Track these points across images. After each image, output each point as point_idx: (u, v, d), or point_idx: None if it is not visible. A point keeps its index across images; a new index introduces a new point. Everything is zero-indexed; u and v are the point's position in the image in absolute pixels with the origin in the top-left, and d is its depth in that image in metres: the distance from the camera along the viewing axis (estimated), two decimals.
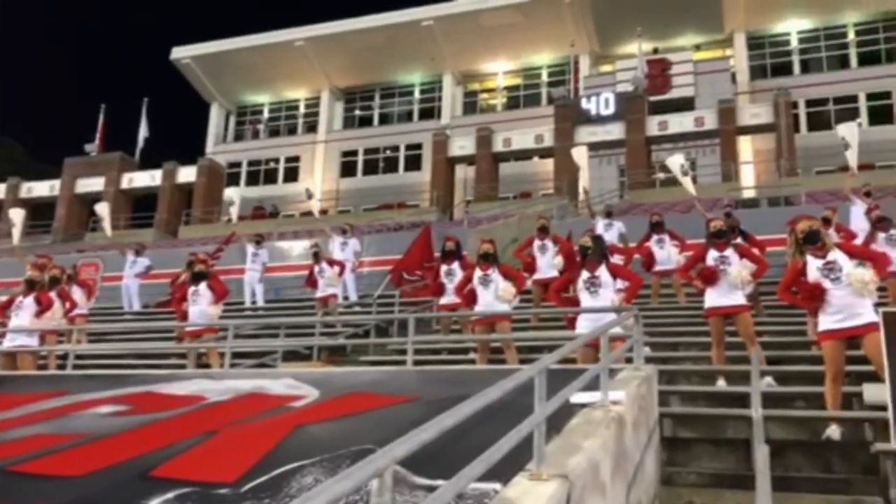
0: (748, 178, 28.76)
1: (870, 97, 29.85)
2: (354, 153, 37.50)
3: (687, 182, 13.92)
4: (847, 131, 12.79)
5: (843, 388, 5.83)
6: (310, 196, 15.19)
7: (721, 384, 7.18)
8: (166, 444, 4.00)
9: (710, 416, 6.41)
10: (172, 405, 5.19)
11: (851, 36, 31.63)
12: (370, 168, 36.96)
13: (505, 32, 33.61)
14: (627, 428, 4.25)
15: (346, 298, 13.46)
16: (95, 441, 4.28)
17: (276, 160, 38.80)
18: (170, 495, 3.19)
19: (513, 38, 33.92)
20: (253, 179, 38.28)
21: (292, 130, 40.07)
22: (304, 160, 38.05)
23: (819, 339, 6.02)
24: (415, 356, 8.95)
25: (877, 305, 5.69)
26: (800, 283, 6.00)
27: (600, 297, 6.85)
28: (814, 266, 5.87)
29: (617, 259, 9.43)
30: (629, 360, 5.82)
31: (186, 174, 34.98)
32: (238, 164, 38.87)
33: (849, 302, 5.60)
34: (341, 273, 12.70)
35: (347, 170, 37.16)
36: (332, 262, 12.59)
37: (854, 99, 30.06)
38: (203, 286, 9.41)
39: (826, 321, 5.77)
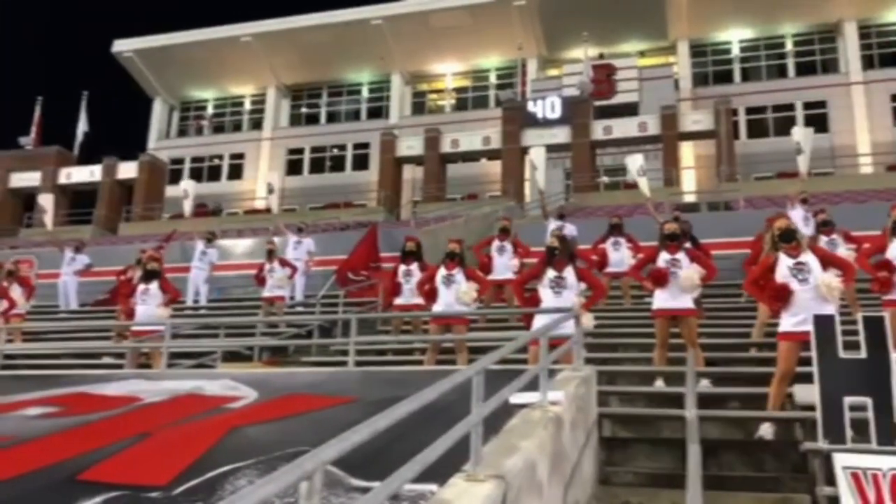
0: (690, 182, 29.35)
1: (806, 106, 30.75)
2: (301, 151, 37.12)
3: (643, 183, 14.10)
4: (802, 136, 13.15)
5: (786, 392, 5.97)
6: (271, 191, 14.91)
7: (659, 384, 7.31)
8: (97, 446, 3.89)
9: (647, 417, 6.53)
10: (105, 406, 5.06)
11: (789, 46, 32.56)
12: (317, 166, 36.63)
13: (454, 34, 33.68)
14: (565, 428, 4.29)
15: (292, 298, 13.26)
16: (22, 444, 4.15)
17: (221, 157, 38.15)
18: (98, 499, 3.11)
19: (462, 40, 34.01)
20: (196, 176, 37.50)
21: (237, 127, 39.46)
22: (249, 157, 37.52)
23: (777, 338, 6.15)
24: (359, 357, 8.92)
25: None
26: (768, 281, 6.12)
27: (563, 297, 6.89)
28: (784, 264, 6.00)
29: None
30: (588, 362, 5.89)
31: (127, 170, 34.09)
32: (181, 161, 38.09)
33: (812, 305, 5.70)
34: (292, 276, 12.50)
35: (293, 168, 36.76)
36: (284, 263, 12.34)
37: (791, 107, 30.93)
38: (154, 286, 9.19)
39: (787, 322, 5.89)
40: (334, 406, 4.73)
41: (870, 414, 4.59)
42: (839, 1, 30.07)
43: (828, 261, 6.01)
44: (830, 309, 5.68)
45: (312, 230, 16.54)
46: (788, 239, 6.02)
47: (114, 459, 3.67)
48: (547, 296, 6.97)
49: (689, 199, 24.65)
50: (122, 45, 37.04)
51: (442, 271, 8.16)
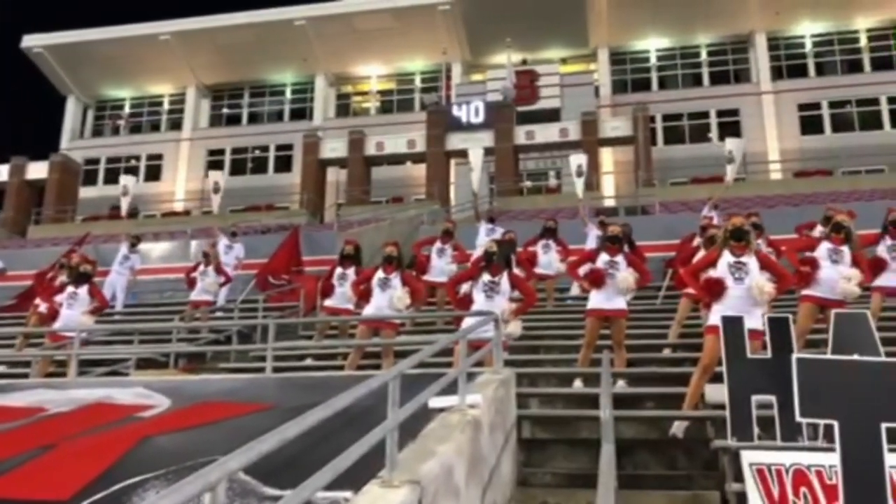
0: (609, 187, 30.03)
1: (720, 114, 31.88)
2: (221, 152, 36.33)
3: (579, 183, 14.30)
4: (734, 145, 13.59)
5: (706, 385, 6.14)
6: (216, 190, 14.43)
7: (578, 385, 7.43)
8: None
9: (566, 418, 6.62)
10: (6, 418, 4.82)
11: (704, 56, 33.66)
12: (238, 168, 35.90)
13: (379, 37, 33.57)
14: (484, 431, 4.31)
15: (214, 303, 12.94)
16: None
17: (138, 158, 36.99)
18: None
19: (387, 43, 33.92)
20: (112, 177, 36.32)
21: (156, 127, 38.35)
22: (168, 158, 36.53)
23: (704, 332, 6.32)
24: (279, 363, 8.78)
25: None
26: (707, 276, 6.29)
27: (495, 302, 6.91)
28: (725, 261, 6.17)
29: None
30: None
31: (37, 170, 32.67)
32: (96, 161, 36.79)
33: (741, 304, 5.87)
34: (223, 284, 12.19)
35: (214, 169, 35.88)
36: (220, 271, 12.03)
37: (706, 115, 32.01)
38: (84, 290, 8.83)
39: (716, 317, 6.05)
40: (250, 413, 4.62)
41: (775, 412, 4.76)
42: (751, 13, 31.29)
43: (768, 266, 6.18)
44: (758, 311, 5.89)
45: None
46: (739, 237, 6.21)
47: (13, 474, 3.50)
48: (479, 299, 7.00)
49: (609, 203, 25.22)
50: (32, 41, 35.51)
51: (379, 274, 8.11)
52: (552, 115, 30.53)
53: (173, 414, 4.74)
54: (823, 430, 4.60)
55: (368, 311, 8.06)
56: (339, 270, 9.11)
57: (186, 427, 4.36)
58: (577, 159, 14.42)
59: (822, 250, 7.36)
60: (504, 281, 7.03)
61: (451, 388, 4.29)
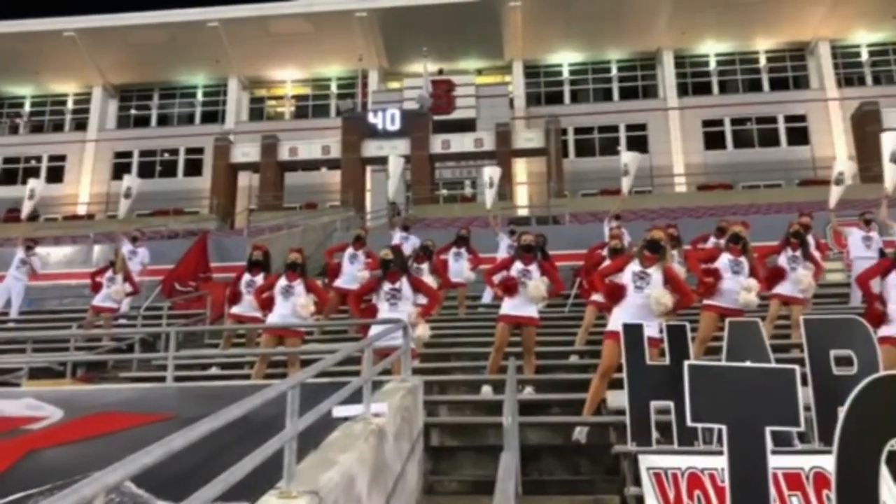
0: (523, 197, 30.52)
1: (629, 128, 32.91)
2: (129, 154, 35.19)
3: (490, 194, 14.41)
4: (630, 159, 13.95)
5: (604, 390, 6.27)
6: (127, 195, 13.84)
7: (486, 391, 7.49)
8: None
9: (474, 425, 6.67)
10: None
11: (614, 72, 34.69)
12: (146, 171, 34.71)
13: (294, 41, 33.19)
14: (388, 439, 4.29)
15: (117, 310, 12.45)
16: None
17: (39, 158, 35.43)
18: None
19: (302, 48, 33.58)
20: (10, 178, 34.70)
21: (58, 127, 36.85)
22: (72, 160, 35.12)
23: (604, 337, 6.45)
24: (183, 372, 8.54)
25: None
26: (610, 280, 6.43)
27: (399, 309, 6.88)
28: (631, 269, 6.32)
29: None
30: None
31: None
32: None
33: (638, 313, 6.00)
34: (130, 294, 11.72)
35: (120, 172, 34.63)
36: (128, 279, 11.55)
37: (616, 129, 32.98)
38: None
39: (614, 323, 6.20)
40: (148, 424, 4.47)
41: (672, 417, 4.91)
42: (658, 31, 32.41)
43: (672, 282, 6.33)
44: (656, 320, 6.05)
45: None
46: (654, 249, 6.36)
47: None
48: (384, 308, 6.96)
49: (523, 213, 25.62)
50: None
51: (282, 281, 7.96)
52: (468, 125, 30.87)
53: (65, 426, 4.54)
54: (718, 434, 4.78)
55: (272, 319, 7.90)
56: (246, 277, 8.90)
57: (78, 439, 4.18)
58: (490, 171, 14.56)
59: (724, 261, 7.65)
60: (405, 286, 7.01)
61: (358, 398, 4.26)
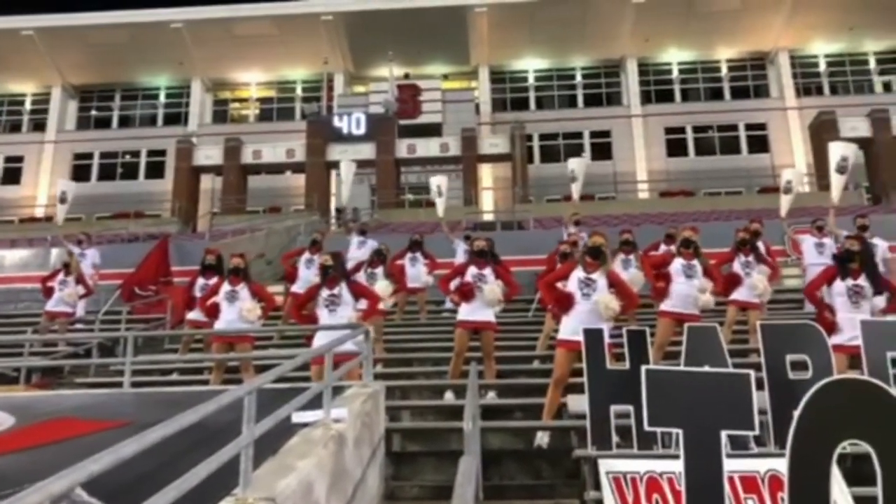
0: (488, 202, 30.60)
1: (593, 135, 33.20)
2: (89, 156, 34.58)
3: (440, 203, 14.43)
4: (577, 165, 14.09)
5: (560, 398, 6.31)
6: (63, 200, 13.56)
7: (449, 397, 7.50)
8: None
9: (436, 430, 6.67)
10: None
11: (579, 79, 34.99)
12: (107, 173, 34.23)
13: (259, 43, 32.93)
14: (348, 445, 4.27)
15: (73, 314, 12.22)
16: None
17: None
18: None
19: (267, 50, 33.33)
20: None
21: (16, 127, 36.07)
22: (29, 161, 34.39)
23: (555, 345, 6.48)
24: (142, 377, 8.41)
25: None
26: (558, 289, 6.45)
27: (338, 314, 6.79)
28: (577, 276, 6.35)
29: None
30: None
31: None
32: None
33: (587, 319, 6.03)
34: (84, 296, 11.50)
35: (80, 174, 34.03)
36: (81, 281, 11.35)
37: (580, 135, 33.24)
38: None
39: (564, 331, 6.25)
40: (103, 431, 4.38)
41: (632, 421, 4.96)
42: (623, 39, 32.76)
43: (616, 286, 6.39)
44: (604, 326, 6.08)
45: (98, 241, 15.38)
46: (595, 255, 6.41)
47: None
48: (323, 314, 6.86)
49: (488, 217, 25.67)
50: None
51: (226, 287, 7.85)
52: (434, 130, 30.90)
53: (16, 433, 4.43)
54: (676, 438, 4.83)
55: (219, 325, 7.78)
56: (200, 281, 8.79)
57: (29, 446, 4.08)
58: (437, 180, 14.60)
59: (677, 266, 7.74)
60: (345, 291, 6.93)
61: (318, 403, 4.23)
